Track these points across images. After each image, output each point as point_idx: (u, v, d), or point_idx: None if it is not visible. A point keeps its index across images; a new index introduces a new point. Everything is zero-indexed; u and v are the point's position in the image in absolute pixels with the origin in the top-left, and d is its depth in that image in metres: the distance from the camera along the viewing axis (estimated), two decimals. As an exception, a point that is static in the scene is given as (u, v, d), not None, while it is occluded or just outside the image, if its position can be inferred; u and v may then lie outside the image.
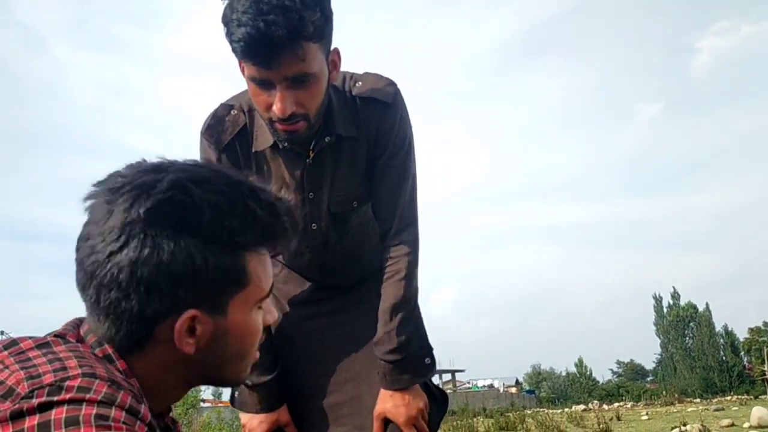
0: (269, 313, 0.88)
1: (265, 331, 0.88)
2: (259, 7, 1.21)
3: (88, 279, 0.75)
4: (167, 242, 0.73)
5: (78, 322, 0.81)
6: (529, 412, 17.65)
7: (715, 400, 22.80)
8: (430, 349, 1.53)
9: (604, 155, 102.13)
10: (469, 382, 46.78)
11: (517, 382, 51.43)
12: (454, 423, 12.18)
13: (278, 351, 1.58)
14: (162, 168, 0.78)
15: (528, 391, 48.28)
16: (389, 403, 1.47)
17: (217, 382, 0.86)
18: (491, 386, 44.24)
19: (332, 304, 1.64)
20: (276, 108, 1.30)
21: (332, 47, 1.36)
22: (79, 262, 0.77)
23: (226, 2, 1.28)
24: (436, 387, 1.58)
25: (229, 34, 1.26)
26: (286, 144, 1.41)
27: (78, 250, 0.78)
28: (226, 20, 1.26)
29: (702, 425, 9.15)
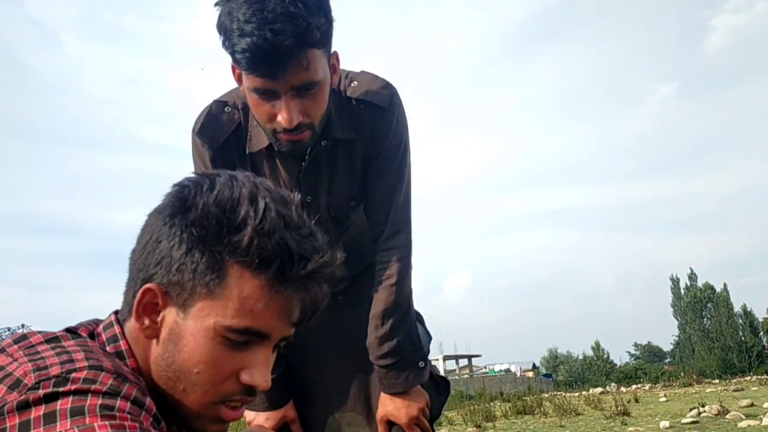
0: (250, 375, 0.78)
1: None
2: (264, 15, 1.15)
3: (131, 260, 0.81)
4: (178, 227, 0.77)
5: (95, 322, 0.83)
6: (546, 395, 17.64)
7: (734, 380, 22.64)
8: (424, 352, 1.52)
9: (619, 137, 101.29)
10: (485, 367, 46.88)
11: (534, 366, 51.47)
12: (471, 407, 12.19)
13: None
14: (231, 186, 0.77)
15: (545, 375, 48.30)
16: (390, 405, 1.48)
17: (178, 411, 0.79)
18: (508, 371, 44.28)
19: (334, 302, 1.63)
20: (282, 119, 1.25)
21: (332, 50, 1.32)
22: (135, 246, 0.81)
23: (221, 9, 1.22)
24: (439, 375, 1.58)
25: (230, 45, 1.20)
26: (284, 149, 1.36)
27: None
28: (225, 29, 1.21)
29: (721, 406, 9.09)
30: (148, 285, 0.76)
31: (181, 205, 0.76)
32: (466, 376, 39.55)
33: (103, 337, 0.80)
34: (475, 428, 10.12)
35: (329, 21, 1.25)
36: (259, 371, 0.79)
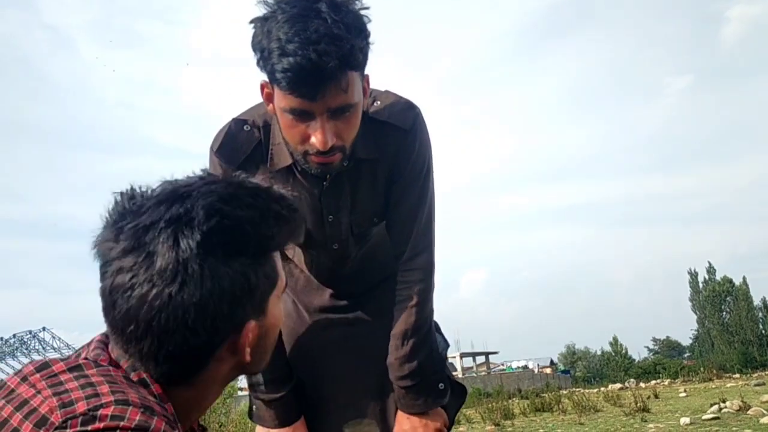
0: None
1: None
2: (307, 35, 1.12)
3: (146, 329, 0.72)
4: (223, 268, 0.73)
5: (105, 342, 0.80)
6: (564, 392, 17.57)
7: (755, 374, 22.38)
8: (444, 374, 1.52)
9: (634, 130, 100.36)
10: (503, 364, 46.71)
11: (552, 363, 51.18)
12: (489, 405, 12.17)
13: (293, 363, 1.57)
14: (182, 195, 0.75)
15: (563, 371, 48.07)
16: (407, 425, 1.47)
17: (246, 372, 0.88)
18: (525, 367, 44.13)
19: (350, 314, 1.63)
20: (317, 141, 1.23)
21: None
22: (125, 314, 0.73)
23: (257, 28, 1.20)
24: (455, 381, 1.58)
25: (270, 64, 1.17)
26: (313, 171, 1.34)
27: (115, 303, 0.73)
28: (263, 48, 1.18)
29: (742, 401, 8.99)
30: (250, 325, 0.77)
31: (230, 240, 0.75)
32: (483, 373, 39.44)
33: (123, 366, 0.76)
34: (493, 426, 10.09)
35: (368, 44, 1.24)
36: None
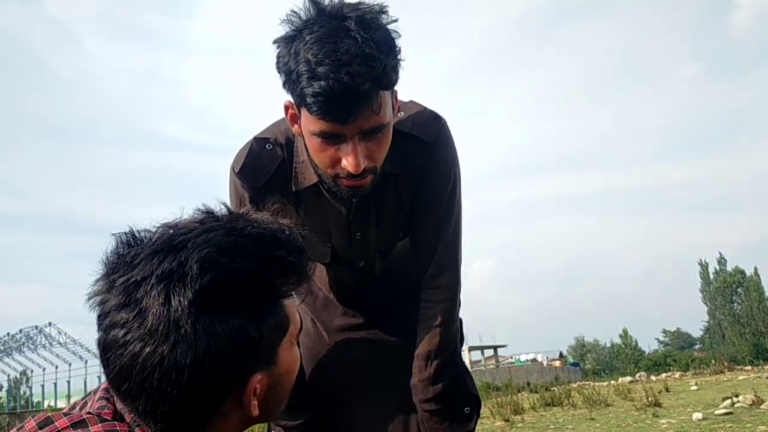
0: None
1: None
2: (338, 57, 1.06)
3: (139, 389, 0.70)
4: (220, 326, 0.69)
5: (110, 390, 0.76)
6: (574, 385, 17.50)
7: (767, 366, 22.26)
8: (469, 397, 1.45)
9: (642, 119, 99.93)
10: (511, 357, 46.67)
11: (561, 355, 51.10)
12: (498, 399, 12.10)
13: (313, 384, 1.52)
14: (177, 245, 0.71)
15: (572, 364, 47.96)
16: None
17: (259, 422, 0.83)
18: (534, 360, 44.04)
19: (372, 332, 1.57)
20: (349, 164, 1.17)
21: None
22: (119, 372, 0.71)
23: (282, 48, 1.13)
24: (474, 394, 1.50)
25: (299, 88, 1.11)
26: (344, 194, 1.28)
27: (109, 359, 0.71)
28: (290, 70, 1.12)
29: (755, 395, 8.88)
30: (256, 379, 0.73)
31: (226, 295, 0.71)
32: (491, 366, 39.43)
33: (127, 418, 0.74)
34: (503, 422, 10.03)
35: (399, 61, 1.17)
36: None
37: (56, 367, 43.07)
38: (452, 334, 1.41)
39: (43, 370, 43.87)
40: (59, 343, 41.99)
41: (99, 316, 0.73)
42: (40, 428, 0.70)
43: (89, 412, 0.73)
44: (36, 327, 42.00)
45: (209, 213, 0.79)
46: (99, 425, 0.70)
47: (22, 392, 48.02)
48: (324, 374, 1.54)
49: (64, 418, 0.71)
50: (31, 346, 42.97)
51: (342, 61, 1.06)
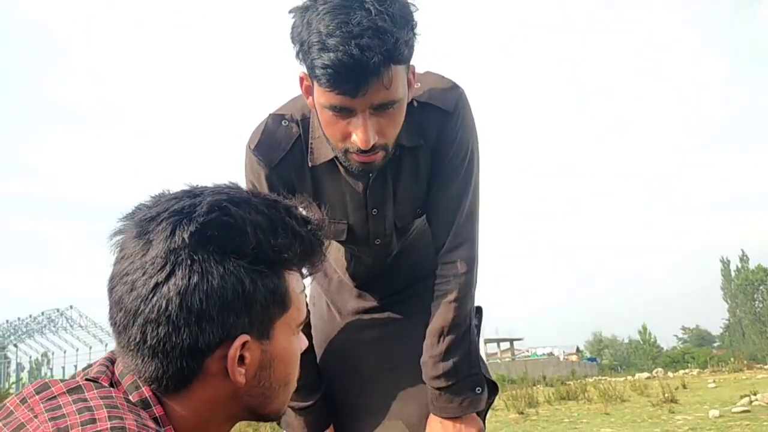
0: (301, 341, 0.86)
1: (308, 349, 0.87)
2: (349, 29, 1.05)
3: (131, 317, 0.72)
4: (215, 266, 0.71)
5: (111, 360, 0.79)
6: (590, 380, 17.40)
7: (788, 366, 21.94)
8: (482, 377, 1.41)
9: (667, 113, 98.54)
10: (528, 351, 46.50)
11: (578, 350, 50.83)
12: (513, 392, 12.08)
13: (325, 366, 1.52)
14: (195, 193, 0.76)
15: (590, 359, 47.68)
16: (439, 430, 1.38)
17: (260, 415, 0.83)
18: (551, 354, 43.85)
19: (385, 314, 1.56)
20: (358, 139, 1.17)
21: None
22: (117, 301, 0.73)
23: (297, 18, 1.13)
24: (489, 379, 1.46)
25: (309, 59, 1.11)
26: (354, 170, 1.28)
27: (113, 289, 0.74)
28: (302, 41, 1.12)
29: (774, 394, 8.78)
30: (242, 338, 0.73)
31: (226, 237, 0.72)
32: (507, 359, 39.33)
33: (124, 384, 0.75)
34: (517, 414, 10.02)
35: (415, 35, 1.15)
36: None
37: (77, 350, 43.77)
38: (467, 310, 1.37)
39: (64, 352, 44.63)
40: (80, 326, 42.71)
41: (117, 252, 0.76)
42: (37, 393, 0.71)
43: (87, 378, 0.74)
44: (57, 310, 42.72)
45: (234, 184, 0.82)
46: (95, 391, 0.71)
47: (43, 373, 48.83)
48: (336, 355, 1.54)
49: (61, 384, 0.72)
50: (53, 329, 43.72)
51: (353, 34, 1.05)
